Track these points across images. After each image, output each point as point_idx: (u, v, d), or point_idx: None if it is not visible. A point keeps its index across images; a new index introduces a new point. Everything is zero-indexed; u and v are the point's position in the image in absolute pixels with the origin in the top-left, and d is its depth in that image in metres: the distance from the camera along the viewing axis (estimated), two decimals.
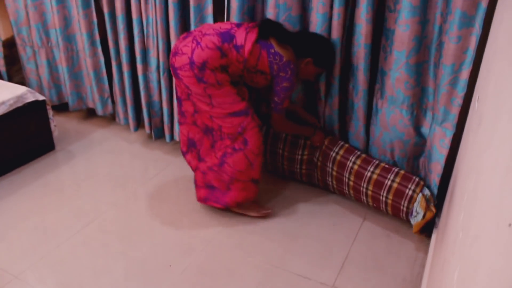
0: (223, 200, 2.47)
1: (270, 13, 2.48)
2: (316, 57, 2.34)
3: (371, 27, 2.27)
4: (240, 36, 2.23)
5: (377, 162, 2.48)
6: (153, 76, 3.02)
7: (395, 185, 2.37)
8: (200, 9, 2.69)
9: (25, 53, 3.53)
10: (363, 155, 2.52)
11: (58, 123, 3.39)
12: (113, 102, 3.43)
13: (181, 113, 2.46)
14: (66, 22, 3.27)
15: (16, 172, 2.96)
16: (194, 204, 2.65)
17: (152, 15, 2.83)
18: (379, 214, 2.55)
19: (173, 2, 2.70)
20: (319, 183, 2.70)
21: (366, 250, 2.32)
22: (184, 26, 2.80)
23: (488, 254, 0.72)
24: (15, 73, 3.86)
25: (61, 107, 3.69)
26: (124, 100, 3.30)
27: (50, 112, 3.12)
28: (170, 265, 2.22)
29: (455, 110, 2.17)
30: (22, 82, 3.69)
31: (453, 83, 2.12)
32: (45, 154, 3.16)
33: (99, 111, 3.46)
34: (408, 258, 2.27)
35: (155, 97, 3.08)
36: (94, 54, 3.25)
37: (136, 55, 3.01)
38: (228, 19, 2.63)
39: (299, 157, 2.65)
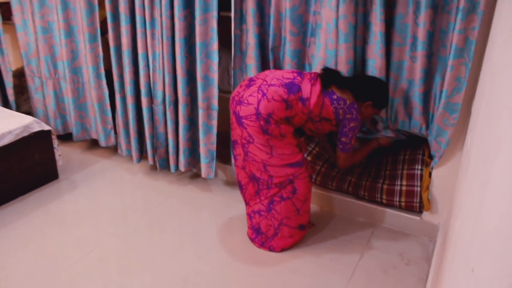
0: (269, 244, 2.54)
1: (276, 46, 2.62)
2: (376, 100, 2.40)
3: (384, 61, 2.37)
4: (305, 88, 2.28)
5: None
6: (158, 108, 3.09)
7: (405, 172, 2.67)
8: (206, 45, 2.77)
9: (33, 84, 3.62)
10: None
11: (62, 153, 3.45)
12: (116, 133, 3.49)
13: (233, 155, 2.54)
14: (73, 55, 3.37)
15: (20, 199, 3.00)
16: (194, 235, 2.68)
17: (159, 51, 2.93)
18: (376, 250, 2.56)
19: (179, 38, 2.80)
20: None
21: (363, 286, 2.33)
22: (190, 61, 2.89)
23: None
24: (23, 102, 3.95)
25: (66, 137, 3.76)
26: (127, 132, 3.36)
27: (55, 142, 3.18)
28: None
29: (448, 129, 2.36)
30: (30, 111, 3.78)
31: (447, 107, 2.30)
32: (48, 183, 3.21)
33: (102, 142, 3.52)
34: None
35: (161, 129, 3.14)
36: (98, 87, 3.34)
37: (141, 88, 3.09)
38: (236, 54, 2.73)
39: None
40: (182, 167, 3.16)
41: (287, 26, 2.52)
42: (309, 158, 2.89)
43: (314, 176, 2.87)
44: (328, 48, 2.45)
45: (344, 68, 2.44)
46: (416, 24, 2.25)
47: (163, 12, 2.78)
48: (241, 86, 2.38)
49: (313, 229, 2.71)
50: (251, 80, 2.37)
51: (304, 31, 2.55)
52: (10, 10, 3.48)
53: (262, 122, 2.25)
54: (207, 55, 2.80)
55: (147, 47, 2.98)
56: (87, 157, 3.61)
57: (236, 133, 2.41)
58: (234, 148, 2.49)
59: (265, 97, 2.25)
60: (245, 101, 2.29)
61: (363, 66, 2.48)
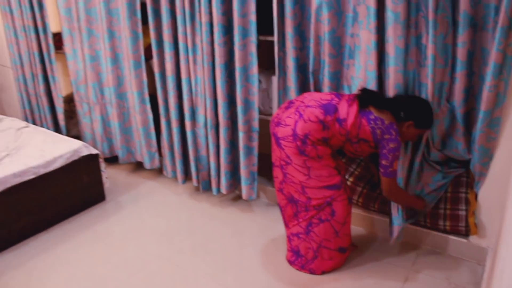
0: (309, 266, 2.53)
1: (316, 69, 2.65)
2: (417, 119, 2.32)
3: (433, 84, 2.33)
4: (342, 109, 2.28)
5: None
6: (200, 131, 3.16)
7: (449, 195, 2.61)
8: (245, 69, 2.84)
9: (82, 109, 3.78)
10: None
11: (109, 175, 3.57)
12: (161, 156, 3.58)
13: (273, 177, 2.56)
14: (119, 81, 3.50)
15: (69, 221, 3.12)
16: (236, 257, 2.70)
17: (201, 76, 3.01)
18: (422, 273, 2.51)
19: (220, 64, 2.87)
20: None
21: None
22: (230, 85, 2.96)
23: None
24: (72, 127, 4.12)
25: (112, 159, 3.89)
26: (172, 154, 3.45)
27: (103, 165, 3.30)
28: None
29: (490, 145, 2.33)
30: (78, 135, 3.93)
31: (490, 124, 2.27)
32: (96, 204, 3.32)
33: (147, 164, 3.62)
34: None
35: (203, 152, 3.21)
36: (143, 111, 3.45)
37: (185, 112, 3.18)
38: (280, 76, 2.78)
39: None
40: (223, 190, 3.20)
41: (326, 49, 2.54)
42: (351, 179, 2.87)
43: (356, 198, 2.85)
44: (368, 70, 2.45)
45: (392, 92, 2.40)
46: (456, 45, 2.23)
47: (204, 38, 2.87)
48: (280, 108, 2.42)
49: (355, 251, 2.69)
50: (290, 102, 2.41)
51: (342, 53, 2.56)
52: (61, 40, 3.67)
53: (298, 143, 2.27)
54: (247, 79, 2.85)
55: (190, 73, 3.07)
56: (133, 179, 3.71)
57: (275, 154, 2.43)
58: (273, 170, 2.52)
59: (301, 118, 2.26)
60: (283, 123, 2.32)
61: (411, 90, 2.44)
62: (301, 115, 2.27)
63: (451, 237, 2.61)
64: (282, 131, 2.32)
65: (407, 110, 2.30)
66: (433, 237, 2.67)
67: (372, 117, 2.25)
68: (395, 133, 2.25)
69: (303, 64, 2.71)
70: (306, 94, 2.42)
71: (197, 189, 3.45)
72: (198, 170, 3.30)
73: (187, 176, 3.49)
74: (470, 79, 2.27)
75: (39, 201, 2.96)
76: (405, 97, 2.39)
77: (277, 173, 2.47)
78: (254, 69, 2.82)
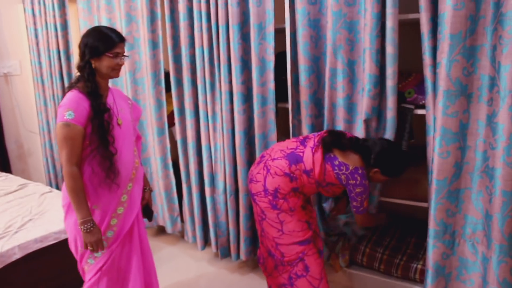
0: None
1: (339, 127, 2.62)
2: (383, 167, 2.27)
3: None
4: (307, 159, 2.27)
5: None
6: (220, 198, 3.17)
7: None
8: (264, 136, 2.87)
9: None
10: None
11: None
12: (182, 221, 3.59)
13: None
14: (142, 147, 3.58)
15: None
16: None
17: (220, 142, 3.06)
18: None
19: (239, 131, 2.92)
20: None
21: None
22: (249, 151, 2.99)
23: None
24: None
25: None
26: (193, 220, 3.46)
27: None
28: None
29: None
30: None
31: None
32: None
33: (169, 229, 3.63)
34: None
35: (222, 218, 3.21)
36: (166, 176, 3.50)
37: (205, 178, 3.21)
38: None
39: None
40: (243, 256, 3.16)
41: (341, 115, 2.57)
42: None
43: (360, 257, 2.86)
44: None
45: None
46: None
47: (224, 106, 2.94)
48: (253, 164, 2.47)
49: None
50: (262, 156, 2.45)
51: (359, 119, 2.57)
52: None
53: (270, 197, 2.30)
54: (266, 146, 2.88)
55: (210, 139, 3.13)
56: (154, 244, 3.70)
57: (255, 211, 2.45)
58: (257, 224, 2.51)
59: (269, 173, 2.31)
60: (255, 179, 2.38)
61: None
62: (268, 170, 2.31)
63: None
64: (255, 187, 2.37)
65: (376, 156, 2.25)
66: None
67: (336, 162, 2.25)
68: (360, 178, 2.22)
69: (319, 131, 2.73)
70: (274, 145, 2.48)
71: (216, 254, 3.42)
72: (217, 236, 3.28)
73: (206, 242, 3.47)
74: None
75: (59, 267, 2.96)
76: (378, 142, 2.31)
77: (257, 227, 2.48)
78: (273, 135, 2.86)
